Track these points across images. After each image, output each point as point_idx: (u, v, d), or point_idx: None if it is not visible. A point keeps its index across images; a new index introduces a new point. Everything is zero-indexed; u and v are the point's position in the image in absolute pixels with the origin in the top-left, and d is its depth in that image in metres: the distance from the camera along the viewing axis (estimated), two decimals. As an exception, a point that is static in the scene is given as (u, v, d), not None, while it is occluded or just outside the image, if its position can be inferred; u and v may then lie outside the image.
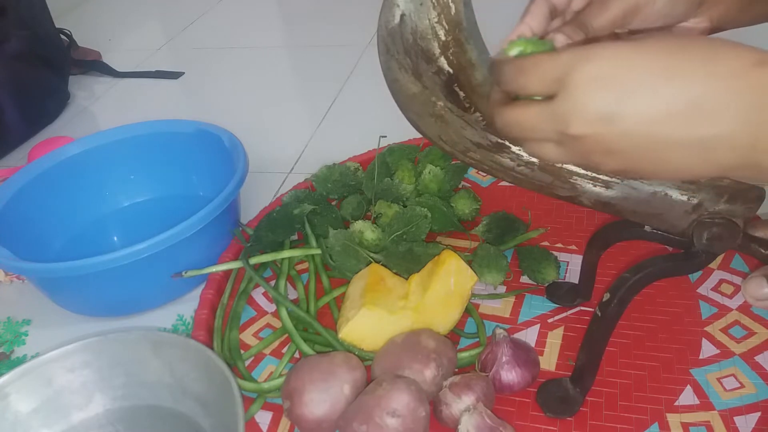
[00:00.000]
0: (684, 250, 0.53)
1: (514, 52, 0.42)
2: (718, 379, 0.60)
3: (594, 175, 0.53)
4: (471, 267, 0.67)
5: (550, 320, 0.68)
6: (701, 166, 0.37)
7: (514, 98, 0.42)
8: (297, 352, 0.67)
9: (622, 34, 0.50)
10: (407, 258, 0.71)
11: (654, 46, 0.37)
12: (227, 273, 0.76)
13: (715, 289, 0.69)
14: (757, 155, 0.35)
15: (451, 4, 0.49)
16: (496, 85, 0.43)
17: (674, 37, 0.38)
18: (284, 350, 0.68)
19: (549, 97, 0.39)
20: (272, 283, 0.75)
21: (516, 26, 0.47)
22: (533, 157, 0.52)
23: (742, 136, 0.35)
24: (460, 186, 0.86)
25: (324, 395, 0.56)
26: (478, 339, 0.66)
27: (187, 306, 0.76)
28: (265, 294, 0.75)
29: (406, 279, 0.69)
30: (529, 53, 0.41)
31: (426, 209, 0.75)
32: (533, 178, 0.54)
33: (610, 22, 0.47)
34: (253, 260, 0.73)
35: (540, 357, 0.63)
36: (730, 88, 0.34)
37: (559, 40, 0.46)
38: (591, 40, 0.46)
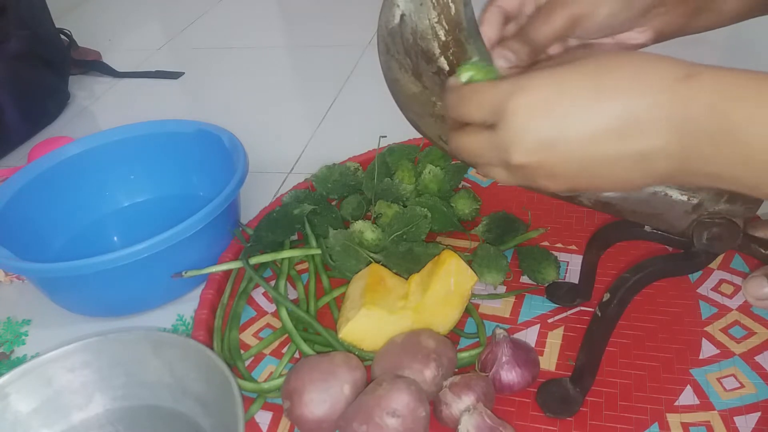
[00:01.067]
0: (684, 250, 0.53)
1: (463, 77, 0.43)
2: (718, 379, 0.60)
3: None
4: (471, 267, 0.67)
5: (550, 320, 0.68)
6: (641, 178, 0.39)
7: (464, 123, 0.43)
8: (297, 352, 0.67)
9: (568, 45, 0.51)
10: (407, 258, 0.71)
11: (584, 68, 0.38)
12: (227, 273, 0.76)
13: (715, 289, 0.69)
14: (690, 164, 0.37)
15: (451, 4, 0.49)
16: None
17: (605, 56, 0.39)
18: (284, 350, 0.68)
19: (491, 126, 0.40)
20: (272, 283, 0.75)
21: None
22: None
23: (674, 147, 0.37)
24: (460, 186, 0.86)
25: (324, 395, 0.56)
26: (478, 339, 0.66)
27: (187, 306, 0.76)
28: (265, 294, 0.75)
29: (406, 279, 0.69)
30: (475, 79, 0.43)
31: (426, 209, 0.75)
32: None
33: (552, 34, 0.48)
34: (253, 260, 0.73)
35: (540, 357, 0.63)
36: (659, 102, 0.36)
37: (505, 60, 0.48)
38: (536, 52, 0.48)
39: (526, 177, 0.41)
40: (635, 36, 0.51)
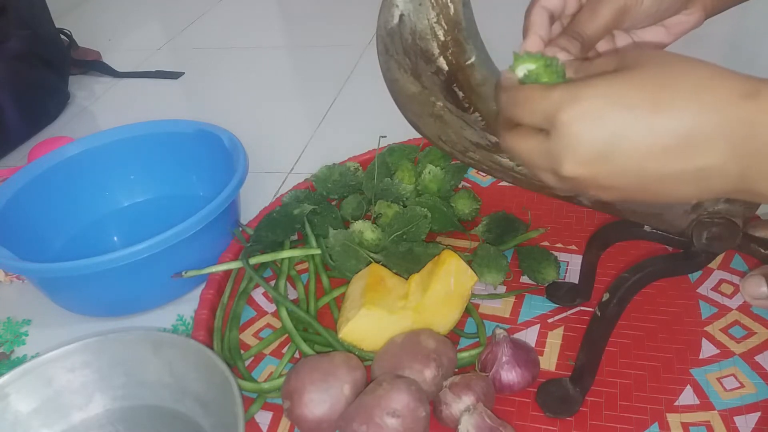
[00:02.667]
0: (684, 250, 0.54)
1: (520, 72, 0.41)
2: (718, 379, 0.60)
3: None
4: (471, 267, 0.67)
5: (550, 320, 0.68)
6: (696, 194, 0.38)
7: (517, 123, 0.42)
8: (297, 352, 0.67)
9: (616, 39, 0.51)
10: (407, 258, 0.71)
11: (642, 79, 0.37)
12: (227, 273, 0.76)
13: (715, 289, 0.69)
14: (748, 183, 0.36)
15: (449, 4, 0.49)
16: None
17: (663, 63, 0.37)
18: (284, 350, 0.68)
19: (544, 131, 0.39)
20: (272, 283, 0.75)
21: (525, 40, 0.48)
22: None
23: (732, 166, 0.36)
24: (460, 186, 0.86)
25: (324, 395, 0.56)
26: (478, 339, 0.66)
27: (187, 306, 0.76)
28: (265, 294, 0.75)
29: (406, 279, 0.69)
30: (533, 74, 0.41)
31: (426, 209, 0.75)
32: (533, 178, 0.54)
33: (602, 28, 0.47)
34: (253, 260, 0.73)
35: (540, 357, 0.63)
36: (719, 120, 0.35)
37: (561, 58, 0.46)
38: (586, 48, 0.47)
39: (577, 187, 0.40)
40: (684, 19, 0.50)
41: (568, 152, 0.38)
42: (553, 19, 0.49)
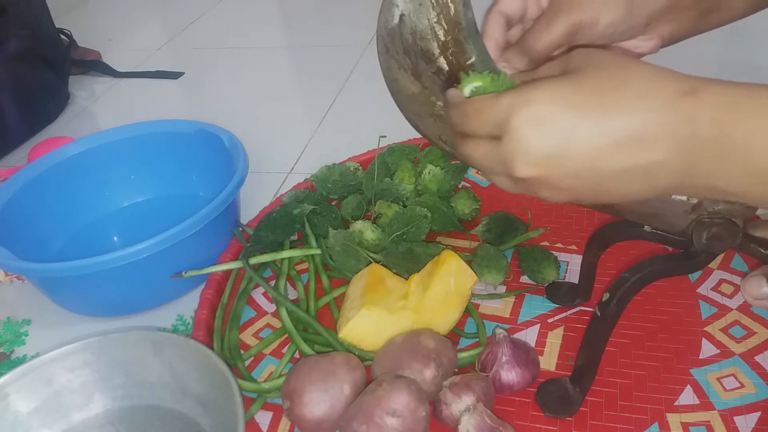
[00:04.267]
0: (683, 250, 0.53)
1: (467, 90, 0.43)
2: (718, 379, 0.60)
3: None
4: (471, 267, 0.67)
5: (550, 320, 0.68)
6: (643, 191, 0.39)
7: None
8: (297, 352, 0.67)
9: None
10: (407, 258, 0.71)
11: (589, 82, 0.38)
12: (227, 273, 0.76)
13: (715, 289, 0.69)
14: (691, 178, 0.38)
15: (450, 4, 0.49)
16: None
17: (608, 68, 0.39)
18: (284, 350, 0.68)
19: (496, 137, 0.40)
20: (272, 283, 0.75)
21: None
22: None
23: (677, 162, 0.37)
24: (460, 186, 0.86)
25: (324, 395, 0.56)
26: (478, 339, 0.66)
27: (187, 306, 0.76)
28: (265, 294, 0.75)
29: (406, 279, 0.69)
30: (481, 90, 0.42)
31: (426, 209, 0.75)
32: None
33: (553, 44, 0.47)
34: (253, 260, 0.73)
35: (540, 357, 0.63)
36: (662, 119, 0.36)
37: (508, 73, 0.47)
38: (535, 63, 0.47)
39: (530, 188, 0.41)
40: (640, 44, 0.51)
41: (520, 154, 0.39)
42: (510, 23, 0.50)
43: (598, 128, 0.37)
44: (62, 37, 1.33)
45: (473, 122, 0.41)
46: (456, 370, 0.62)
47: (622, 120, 0.37)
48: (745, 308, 0.66)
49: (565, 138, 0.38)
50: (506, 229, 0.76)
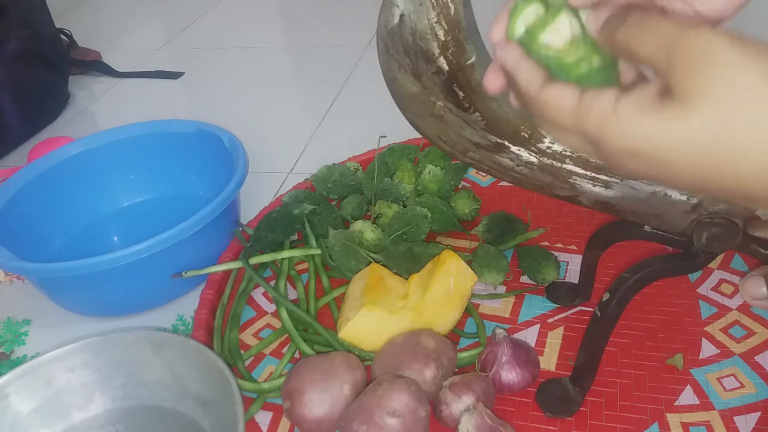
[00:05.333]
0: (684, 249, 0.54)
1: (519, 28, 0.35)
2: (718, 379, 0.60)
3: (593, 175, 0.53)
4: (471, 267, 0.67)
5: (550, 320, 0.68)
6: None
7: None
8: (297, 352, 0.67)
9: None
10: (407, 258, 0.71)
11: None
12: (227, 273, 0.76)
13: (715, 289, 0.69)
14: None
15: (450, 4, 0.49)
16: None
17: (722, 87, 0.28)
18: (284, 350, 0.68)
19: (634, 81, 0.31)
20: (272, 283, 0.75)
21: None
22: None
23: None
24: (460, 186, 0.86)
25: (324, 395, 0.56)
26: (478, 339, 0.66)
27: (187, 306, 0.76)
28: (265, 294, 0.75)
29: (406, 279, 0.69)
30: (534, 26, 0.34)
31: (426, 209, 0.75)
32: (533, 178, 0.54)
33: None
34: (253, 260, 0.73)
35: (540, 357, 0.63)
36: None
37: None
38: None
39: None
40: None
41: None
42: None
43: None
44: (62, 37, 1.33)
45: (638, 37, 0.30)
46: (456, 370, 0.62)
47: None
48: (745, 308, 0.66)
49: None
50: (506, 229, 0.76)
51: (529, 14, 0.35)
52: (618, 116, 0.30)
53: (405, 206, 0.79)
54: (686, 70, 0.28)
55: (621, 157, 0.31)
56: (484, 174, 0.80)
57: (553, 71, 0.34)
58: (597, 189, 0.54)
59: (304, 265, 0.78)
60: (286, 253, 0.75)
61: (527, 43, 0.35)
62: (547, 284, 0.71)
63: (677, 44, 0.28)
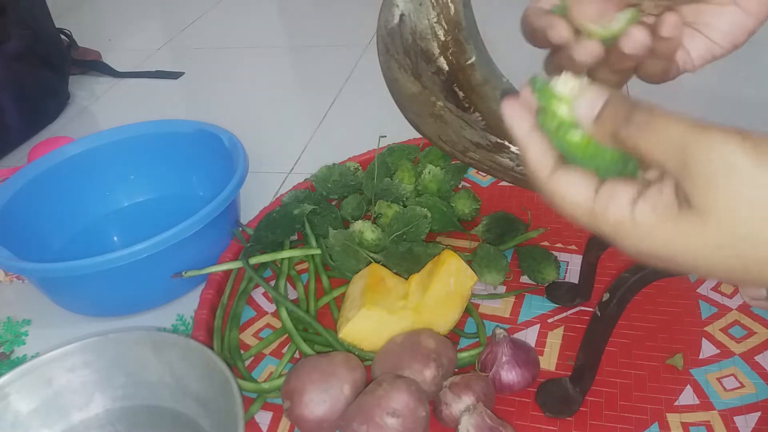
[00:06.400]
0: (684, 250, 0.53)
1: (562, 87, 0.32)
2: (718, 379, 0.60)
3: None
4: (471, 267, 0.67)
5: (550, 320, 0.68)
6: None
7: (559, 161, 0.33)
8: (297, 352, 0.67)
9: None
10: (407, 258, 0.71)
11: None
12: (227, 273, 0.76)
13: (715, 288, 0.69)
14: None
15: (450, 4, 0.49)
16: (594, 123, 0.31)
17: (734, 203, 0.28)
18: (284, 350, 0.68)
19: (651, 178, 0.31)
20: (272, 283, 0.75)
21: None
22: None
23: None
24: (460, 186, 0.86)
25: (324, 395, 0.56)
26: (478, 339, 0.66)
27: (187, 306, 0.76)
28: (265, 294, 0.75)
29: (406, 279, 0.69)
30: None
31: (426, 209, 0.75)
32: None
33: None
34: (253, 260, 0.73)
35: (540, 357, 0.63)
36: None
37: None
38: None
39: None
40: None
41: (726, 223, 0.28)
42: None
43: None
44: (62, 37, 1.33)
45: (650, 137, 0.29)
46: (456, 370, 0.62)
47: None
48: (745, 308, 0.66)
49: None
50: (506, 229, 0.76)
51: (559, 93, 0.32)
52: (636, 223, 0.30)
53: (405, 206, 0.79)
54: (703, 185, 0.28)
55: (640, 256, 0.31)
56: (484, 174, 0.80)
57: (566, 153, 0.32)
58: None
59: (304, 265, 0.78)
60: (286, 253, 0.75)
61: (543, 120, 0.33)
62: (547, 284, 0.71)
63: (690, 154, 0.28)
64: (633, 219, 0.30)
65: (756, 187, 0.27)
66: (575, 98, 0.32)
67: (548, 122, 0.32)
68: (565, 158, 0.32)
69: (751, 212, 0.27)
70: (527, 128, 0.33)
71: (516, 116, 0.33)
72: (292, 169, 1.01)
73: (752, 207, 0.27)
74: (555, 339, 0.66)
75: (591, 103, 0.31)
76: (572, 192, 0.32)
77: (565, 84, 0.32)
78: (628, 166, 0.32)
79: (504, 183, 0.85)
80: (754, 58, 1.11)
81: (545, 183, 0.33)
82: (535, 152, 0.33)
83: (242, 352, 0.68)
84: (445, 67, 0.51)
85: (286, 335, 0.69)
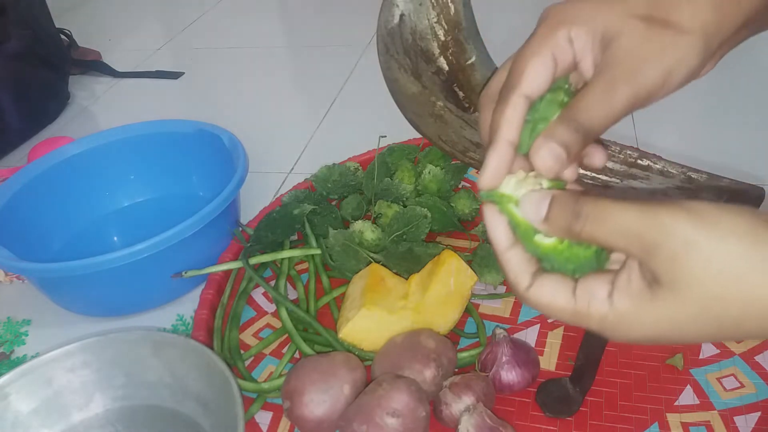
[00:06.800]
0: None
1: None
2: (718, 379, 0.60)
3: (593, 175, 0.53)
4: (471, 267, 0.67)
5: (550, 320, 0.68)
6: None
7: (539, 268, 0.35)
8: (297, 352, 0.67)
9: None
10: (407, 258, 0.71)
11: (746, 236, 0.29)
12: (227, 273, 0.76)
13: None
14: None
15: (450, 4, 0.49)
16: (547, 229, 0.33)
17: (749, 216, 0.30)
18: (284, 350, 0.68)
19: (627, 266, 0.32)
20: (272, 283, 0.75)
21: (491, 150, 0.35)
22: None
23: None
24: (460, 186, 0.86)
25: (324, 395, 0.56)
26: (478, 339, 0.66)
27: (187, 306, 0.76)
28: (265, 294, 0.75)
29: (406, 279, 0.69)
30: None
31: (426, 209, 0.75)
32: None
33: (613, 119, 0.35)
34: (253, 260, 0.73)
35: (540, 357, 0.63)
36: None
37: (553, 157, 0.34)
38: (588, 142, 0.35)
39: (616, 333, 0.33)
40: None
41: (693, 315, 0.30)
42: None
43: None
44: (62, 37, 1.33)
45: (607, 228, 0.31)
46: (456, 370, 0.62)
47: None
48: (745, 308, 0.66)
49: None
50: (506, 229, 0.76)
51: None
52: (617, 314, 0.32)
53: (405, 206, 0.79)
54: (668, 263, 0.30)
55: (631, 342, 0.33)
56: (484, 174, 0.80)
57: (541, 258, 0.34)
58: (596, 189, 0.54)
59: (304, 265, 0.78)
60: (286, 253, 0.75)
61: (512, 226, 0.35)
62: (547, 284, 0.71)
63: (649, 239, 0.30)
64: (615, 311, 0.32)
65: (714, 256, 0.29)
66: (520, 203, 0.33)
67: (515, 229, 0.34)
68: (542, 261, 0.34)
69: (715, 279, 0.29)
70: (503, 248, 0.35)
71: (494, 228, 0.35)
72: (292, 169, 1.01)
73: (715, 274, 0.29)
74: (555, 339, 0.66)
75: (536, 207, 0.33)
76: (552, 300, 0.34)
77: (508, 185, 0.34)
78: (600, 258, 0.33)
79: (504, 183, 0.85)
80: (754, 57, 1.11)
81: (524, 297, 0.35)
82: (512, 271, 0.35)
83: (242, 352, 0.68)
84: (445, 67, 0.51)
85: (286, 335, 0.69)
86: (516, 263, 0.35)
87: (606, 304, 0.32)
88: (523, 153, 0.35)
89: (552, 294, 0.33)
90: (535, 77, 0.36)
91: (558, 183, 0.34)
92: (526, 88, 0.36)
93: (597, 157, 0.38)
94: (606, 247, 0.32)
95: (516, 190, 0.34)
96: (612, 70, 0.35)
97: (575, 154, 0.35)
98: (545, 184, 0.34)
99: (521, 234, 0.34)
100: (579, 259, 0.33)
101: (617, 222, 0.31)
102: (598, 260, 0.33)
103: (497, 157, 0.35)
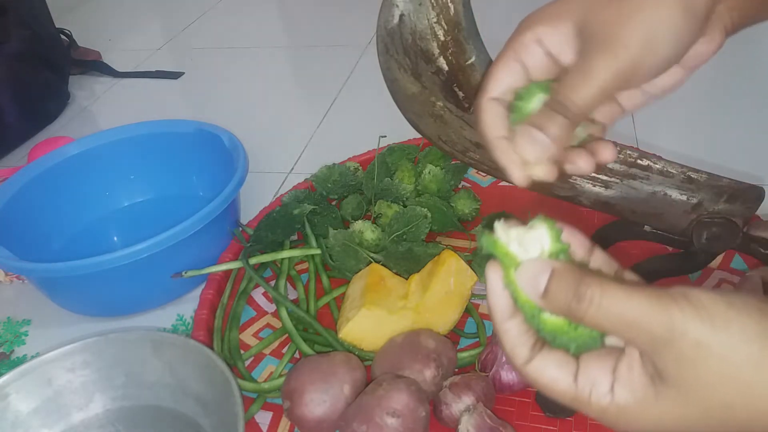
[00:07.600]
0: (684, 249, 0.54)
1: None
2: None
3: (594, 175, 0.53)
4: (471, 267, 0.67)
5: (550, 320, 0.68)
6: None
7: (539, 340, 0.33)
8: (297, 352, 0.67)
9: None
10: (407, 258, 0.71)
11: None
12: (227, 273, 0.76)
13: (715, 289, 0.69)
14: None
15: (450, 5, 0.49)
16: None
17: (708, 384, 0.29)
18: (284, 350, 0.68)
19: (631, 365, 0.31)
20: (272, 283, 0.75)
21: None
22: None
23: None
24: (460, 186, 0.86)
25: (324, 395, 0.56)
26: (478, 339, 0.66)
27: (187, 306, 0.76)
28: (265, 294, 0.75)
29: (406, 279, 0.69)
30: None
31: (426, 209, 0.75)
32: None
33: (597, 97, 0.35)
34: (253, 260, 0.73)
35: (540, 357, 0.63)
36: None
37: (536, 146, 0.36)
38: (575, 124, 0.36)
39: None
40: (702, 50, 0.40)
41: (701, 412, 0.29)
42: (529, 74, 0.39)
43: None
44: (62, 37, 1.33)
45: (628, 325, 0.29)
46: (456, 370, 0.62)
47: None
48: (745, 308, 0.66)
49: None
50: (506, 229, 0.76)
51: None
52: (618, 408, 0.31)
53: (405, 206, 0.79)
54: (674, 362, 0.29)
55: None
56: (484, 174, 0.80)
57: (541, 332, 0.33)
58: (597, 189, 0.54)
59: (304, 265, 0.78)
60: (286, 253, 0.75)
61: (517, 300, 0.32)
62: (547, 284, 0.71)
63: (656, 336, 0.29)
64: (616, 405, 0.31)
65: (723, 362, 0.28)
66: (517, 273, 0.31)
67: (515, 297, 0.32)
68: (540, 331, 0.32)
69: (724, 385, 0.28)
70: (502, 318, 0.33)
71: (495, 297, 0.33)
72: (292, 169, 1.01)
73: (724, 381, 0.28)
74: (555, 339, 0.65)
75: (534, 280, 0.31)
76: (551, 383, 0.32)
77: (514, 240, 0.32)
78: (603, 337, 0.32)
79: (504, 183, 0.85)
80: (753, 58, 1.12)
81: (521, 371, 0.33)
82: (509, 343, 0.33)
83: (242, 352, 0.68)
84: (445, 67, 0.51)
85: (286, 335, 0.69)
86: (514, 335, 0.33)
87: (608, 397, 0.31)
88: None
89: (553, 378, 0.32)
90: (499, 81, 0.38)
91: (562, 246, 0.32)
92: (492, 91, 0.38)
93: (606, 152, 0.38)
94: (610, 334, 0.31)
95: (522, 247, 0.32)
96: (587, 44, 0.36)
97: (563, 134, 0.35)
98: (581, 133, 0.35)
99: (521, 305, 0.32)
100: (583, 338, 0.32)
101: (624, 312, 0.29)
102: (602, 339, 0.32)
103: (501, 154, 0.38)
